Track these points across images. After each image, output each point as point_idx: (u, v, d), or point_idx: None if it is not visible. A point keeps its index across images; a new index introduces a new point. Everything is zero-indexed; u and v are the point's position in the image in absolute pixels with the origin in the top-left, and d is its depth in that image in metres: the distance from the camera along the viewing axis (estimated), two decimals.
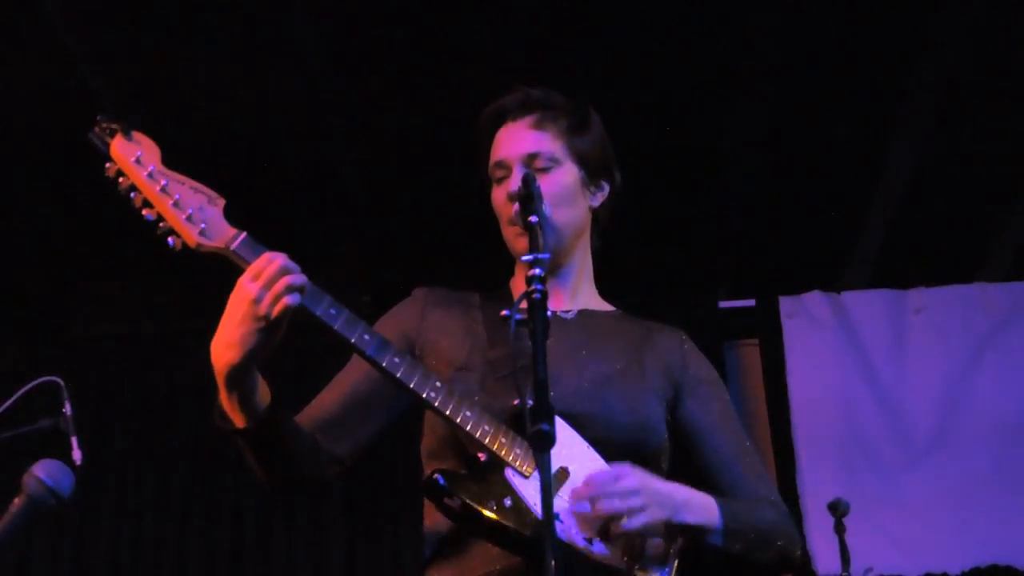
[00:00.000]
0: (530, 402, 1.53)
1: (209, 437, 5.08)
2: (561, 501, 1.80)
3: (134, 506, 5.10)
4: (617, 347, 2.07)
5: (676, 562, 1.87)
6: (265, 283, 1.67)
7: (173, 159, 1.74)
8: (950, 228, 4.88)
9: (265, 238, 1.75)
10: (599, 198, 2.12)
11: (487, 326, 2.02)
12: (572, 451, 1.87)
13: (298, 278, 1.70)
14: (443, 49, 3.77)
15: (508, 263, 2.18)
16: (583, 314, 2.11)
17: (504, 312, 1.69)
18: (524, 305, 1.64)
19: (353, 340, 1.76)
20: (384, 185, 4.49)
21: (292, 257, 1.72)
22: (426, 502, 1.94)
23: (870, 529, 4.57)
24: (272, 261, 1.69)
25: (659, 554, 1.86)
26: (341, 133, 4.14)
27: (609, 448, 1.89)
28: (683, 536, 1.85)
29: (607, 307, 2.17)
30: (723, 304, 5.32)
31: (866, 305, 5.17)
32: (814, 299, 5.20)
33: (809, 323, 5.17)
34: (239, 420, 1.77)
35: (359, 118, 4.09)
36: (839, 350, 5.11)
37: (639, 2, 3.63)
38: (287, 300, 1.67)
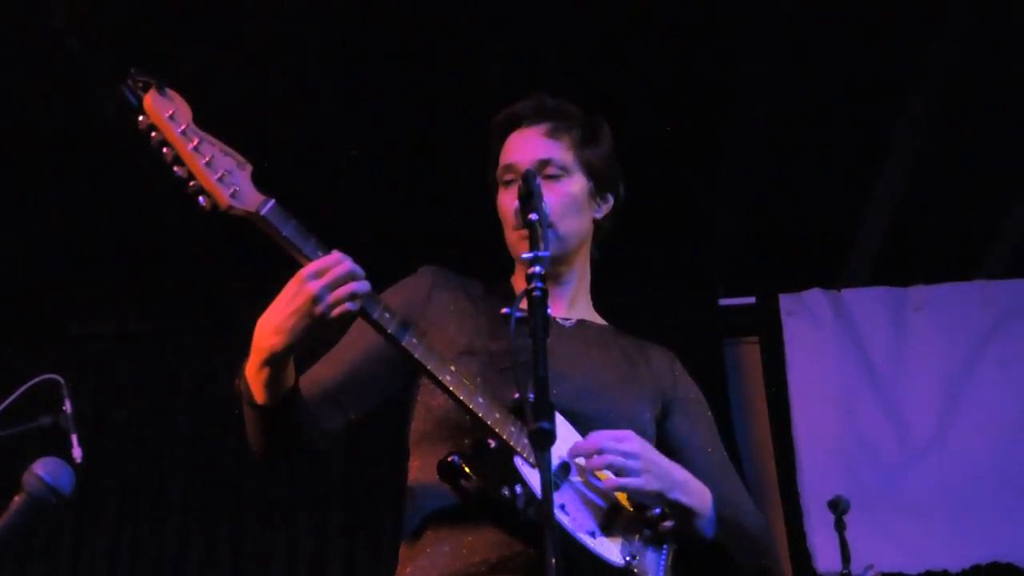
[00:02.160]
0: (531, 397, 1.54)
1: (209, 436, 5.10)
2: (566, 491, 1.81)
3: (133, 505, 5.10)
4: (614, 357, 2.10)
5: (671, 555, 1.88)
6: (328, 284, 1.67)
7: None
8: (950, 225, 4.86)
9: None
10: (603, 210, 2.14)
11: (489, 318, 2.02)
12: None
13: (362, 285, 1.71)
14: (444, 47, 3.77)
15: (510, 262, 2.18)
16: (581, 324, 2.13)
17: (504, 310, 1.70)
18: (524, 304, 1.65)
19: (375, 316, 1.76)
20: (383, 183, 4.48)
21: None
22: (411, 479, 1.97)
23: (871, 526, 4.57)
24: (341, 263, 1.69)
25: (654, 539, 1.88)
26: (341, 130, 4.14)
27: None
28: (674, 518, 1.86)
29: (602, 321, 2.20)
30: (723, 302, 5.30)
31: (866, 302, 5.16)
32: (814, 297, 5.19)
33: (809, 321, 5.16)
34: (260, 395, 1.77)
35: (359, 115, 4.09)
36: (839, 347, 5.10)
37: None
38: (347, 306, 1.68)
